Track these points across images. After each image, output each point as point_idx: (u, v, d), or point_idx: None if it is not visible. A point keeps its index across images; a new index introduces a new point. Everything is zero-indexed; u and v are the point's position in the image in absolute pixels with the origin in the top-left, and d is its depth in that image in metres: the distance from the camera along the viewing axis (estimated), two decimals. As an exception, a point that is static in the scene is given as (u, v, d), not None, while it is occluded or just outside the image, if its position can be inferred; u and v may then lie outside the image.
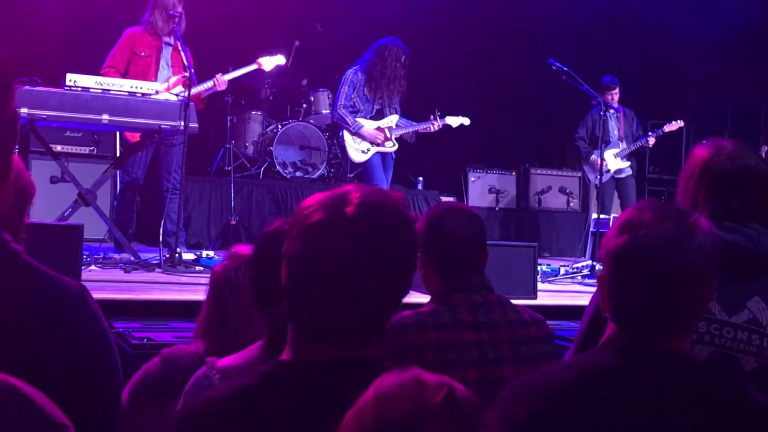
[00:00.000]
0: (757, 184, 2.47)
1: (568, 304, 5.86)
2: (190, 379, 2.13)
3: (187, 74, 6.39)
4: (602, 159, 8.46)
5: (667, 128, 9.00)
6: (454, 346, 2.59)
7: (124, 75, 6.63)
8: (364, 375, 1.42)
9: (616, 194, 9.09)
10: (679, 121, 9.02)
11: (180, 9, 6.75)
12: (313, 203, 1.61)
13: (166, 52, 6.82)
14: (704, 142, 2.59)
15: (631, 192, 9.03)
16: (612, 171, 8.90)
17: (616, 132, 9.03)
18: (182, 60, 6.61)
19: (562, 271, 7.81)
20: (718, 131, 8.94)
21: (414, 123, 7.82)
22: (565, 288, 6.96)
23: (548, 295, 6.29)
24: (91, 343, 1.51)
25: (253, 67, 7.20)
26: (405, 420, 1.30)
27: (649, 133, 9.01)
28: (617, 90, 8.98)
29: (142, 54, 6.75)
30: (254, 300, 2.19)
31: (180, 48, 6.64)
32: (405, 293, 1.66)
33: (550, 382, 1.81)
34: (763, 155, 10.49)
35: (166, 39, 6.79)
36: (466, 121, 8.01)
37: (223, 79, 6.87)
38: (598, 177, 8.72)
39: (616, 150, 8.98)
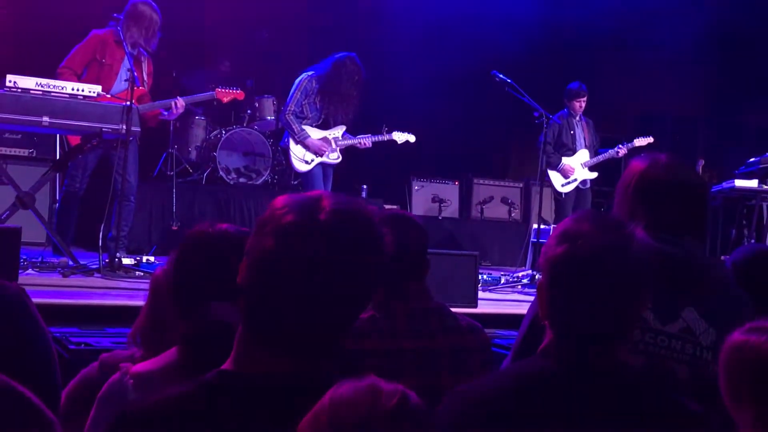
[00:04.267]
0: (691, 196, 2.53)
1: (508, 313, 5.91)
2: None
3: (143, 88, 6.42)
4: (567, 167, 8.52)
5: (637, 142, 8.93)
6: (392, 353, 2.61)
7: (80, 78, 6.52)
8: (319, 391, 1.41)
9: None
10: (649, 137, 8.99)
11: (159, 28, 6.73)
12: (286, 205, 1.57)
13: (127, 63, 6.64)
14: (641, 155, 2.64)
15: (587, 206, 8.86)
16: (579, 181, 8.85)
17: (582, 141, 8.94)
18: (142, 72, 6.62)
19: (503, 280, 7.86)
20: (656, 144, 9.04)
21: (366, 135, 7.84)
22: (505, 297, 7.00)
23: (489, 303, 6.33)
24: (30, 342, 1.50)
25: (211, 96, 7.22)
26: (358, 425, 1.32)
27: (620, 145, 8.89)
28: (585, 98, 8.82)
29: (104, 61, 6.66)
30: (175, 301, 2.16)
31: (143, 59, 6.67)
32: (364, 306, 1.64)
33: (489, 390, 1.84)
34: (700, 169, 10.71)
35: (131, 50, 6.65)
36: (411, 138, 8.09)
37: (181, 102, 6.83)
38: (565, 185, 8.77)
39: (584, 159, 8.89)
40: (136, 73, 6.44)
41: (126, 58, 6.60)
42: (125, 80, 6.63)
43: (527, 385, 1.81)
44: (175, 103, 6.81)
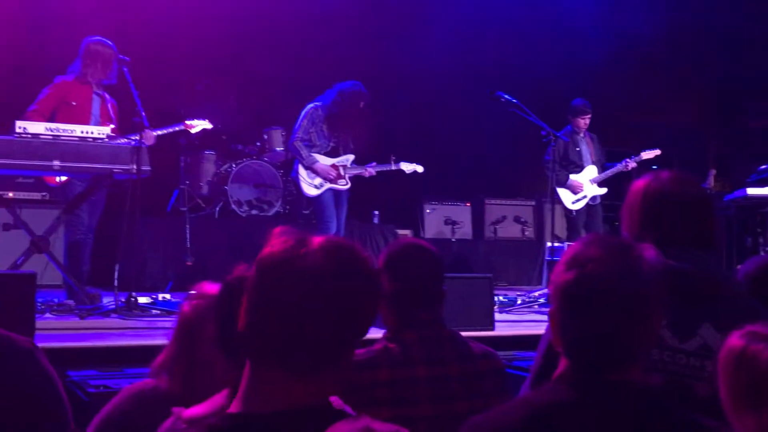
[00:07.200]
0: (696, 208, 2.53)
1: (525, 334, 5.87)
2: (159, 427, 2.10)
3: (113, 126, 6.65)
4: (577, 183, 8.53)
5: (645, 155, 8.90)
6: (406, 382, 2.61)
7: (48, 120, 6.56)
8: (319, 425, 1.41)
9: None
10: (656, 149, 8.94)
11: (115, 59, 6.83)
12: (274, 252, 1.63)
13: (96, 103, 6.86)
14: (643, 175, 2.65)
15: (599, 222, 8.87)
16: (588, 197, 8.81)
17: (589, 156, 8.92)
18: (109, 112, 6.88)
19: (519, 300, 7.83)
20: (665, 156, 8.99)
21: (371, 164, 7.89)
22: (522, 318, 6.97)
23: (506, 325, 6.31)
24: (40, 397, 1.51)
25: (180, 127, 7.37)
26: None
27: (627, 159, 8.85)
28: (590, 115, 8.83)
29: (73, 103, 6.76)
30: (221, 348, 2.16)
31: (107, 99, 6.89)
32: (359, 336, 1.65)
33: (505, 420, 1.82)
34: (712, 178, 10.67)
35: (96, 90, 6.86)
36: (420, 169, 8.17)
37: (151, 135, 6.83)
38: (575, 202, 8.73)
39: (592, 175, 8.85)
40: (112, 113, 6.76)
41: (93, 98, 6.83)
42: (99, 117, 6.83)
43: (542, 414, 1.79)
44: (143, 135, 6.57)
